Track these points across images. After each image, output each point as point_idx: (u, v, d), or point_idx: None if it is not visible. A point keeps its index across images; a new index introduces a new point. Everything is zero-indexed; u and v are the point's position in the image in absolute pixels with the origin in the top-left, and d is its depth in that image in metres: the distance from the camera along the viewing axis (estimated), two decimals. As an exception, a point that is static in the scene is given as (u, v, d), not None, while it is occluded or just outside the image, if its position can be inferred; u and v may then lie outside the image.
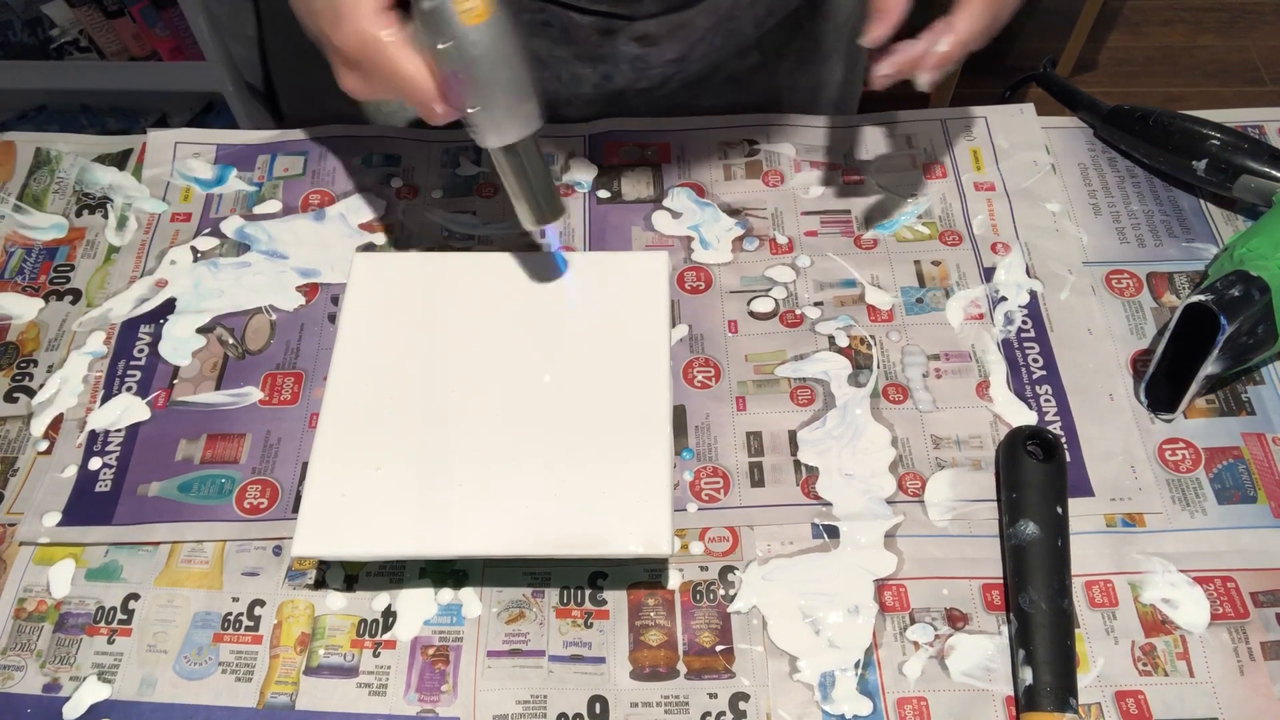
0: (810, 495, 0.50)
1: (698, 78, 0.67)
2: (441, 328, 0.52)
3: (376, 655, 0.47)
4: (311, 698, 0.46)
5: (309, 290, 0.58)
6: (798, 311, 0.57)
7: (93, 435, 0.53)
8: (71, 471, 0.52)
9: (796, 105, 0.67)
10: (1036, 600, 0.45)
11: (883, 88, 0.49)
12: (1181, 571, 0.48)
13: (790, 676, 0.46)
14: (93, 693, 0.46)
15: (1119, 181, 0.62)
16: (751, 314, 0.57)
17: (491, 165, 0.56)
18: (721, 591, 0.48)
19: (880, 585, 0.48)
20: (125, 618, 0.48)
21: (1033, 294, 0.57)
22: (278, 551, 0.49)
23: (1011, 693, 0.45)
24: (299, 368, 0.55)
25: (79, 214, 0.62)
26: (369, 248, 0.60)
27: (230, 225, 0.61)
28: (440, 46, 0.41)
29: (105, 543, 0.50)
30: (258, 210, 0.62)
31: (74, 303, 0.58)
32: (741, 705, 0.45)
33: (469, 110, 0.43)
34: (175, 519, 0.50)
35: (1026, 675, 0.44)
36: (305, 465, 0.50)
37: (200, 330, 0.57)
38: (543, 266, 0.53)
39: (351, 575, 0.49)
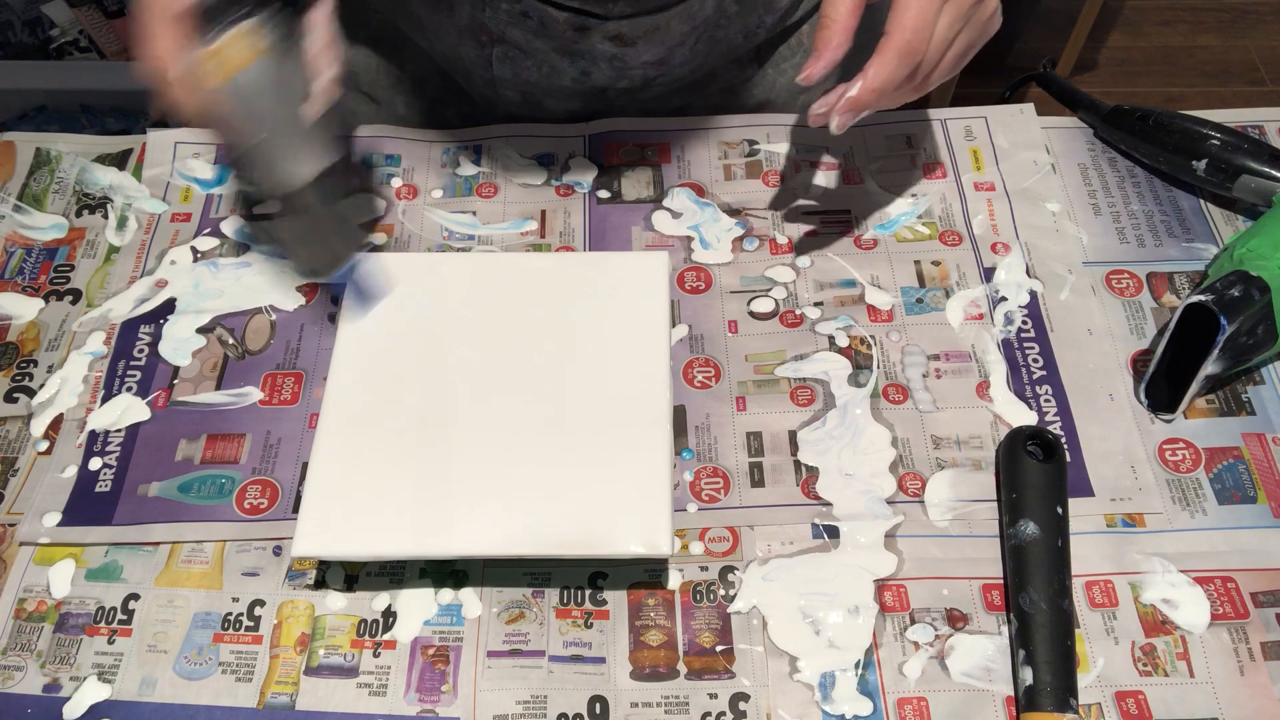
0: (810, 495, 0.50)
1: (689, 84, 0.66)
2: (441, 328, 0.52)
3: (376, 655, 0.47)
4: (311, 698, 0.46)
5: (309, 290, 0.58)
6: (798, 311, 0.57)
7: (93, 435, 0.53)
8: (71, 472, 0.52)
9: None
10: (1036, 600, 0.45)
11: (815, 125, 0.47)
12: (1181, 571, 0.48)
13: (790, 676, 0.46)
14: (93, 693, 0.46)
15: (1119, 181, 0.62)
16: (751, 314, 0.57)
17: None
18: (721, 591, 0.48)
19: (880, 585, 0.48)
20: (125, 618, 0.48)
21: (1033, 294, 0.57)
22: (278, 551, 0.49)
23: (1011, 693, 0.45)
24: (299, 368, 0.55)
25: (79, 214, 0.62)
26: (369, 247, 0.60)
27: (230, 225, 0.61)
28: (213, 90, 0.44)
29: (105, 543, 0.50)
30: (258, 210, 0.62)
31: (74, 303, 0.58)
32: (741, 705, 0.45)
33: (251, 144, 0.45)
34: (175, 519, 0.50)
35: (1026, 675, 0.44)
36: (305, 465, 0.50)
37: (200, 330, 0.57)
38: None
39: (351, 575, 0.49)
